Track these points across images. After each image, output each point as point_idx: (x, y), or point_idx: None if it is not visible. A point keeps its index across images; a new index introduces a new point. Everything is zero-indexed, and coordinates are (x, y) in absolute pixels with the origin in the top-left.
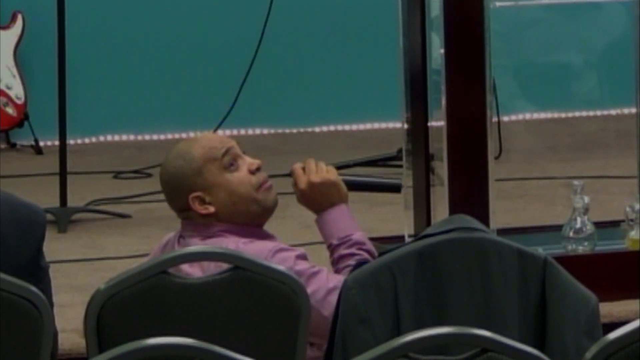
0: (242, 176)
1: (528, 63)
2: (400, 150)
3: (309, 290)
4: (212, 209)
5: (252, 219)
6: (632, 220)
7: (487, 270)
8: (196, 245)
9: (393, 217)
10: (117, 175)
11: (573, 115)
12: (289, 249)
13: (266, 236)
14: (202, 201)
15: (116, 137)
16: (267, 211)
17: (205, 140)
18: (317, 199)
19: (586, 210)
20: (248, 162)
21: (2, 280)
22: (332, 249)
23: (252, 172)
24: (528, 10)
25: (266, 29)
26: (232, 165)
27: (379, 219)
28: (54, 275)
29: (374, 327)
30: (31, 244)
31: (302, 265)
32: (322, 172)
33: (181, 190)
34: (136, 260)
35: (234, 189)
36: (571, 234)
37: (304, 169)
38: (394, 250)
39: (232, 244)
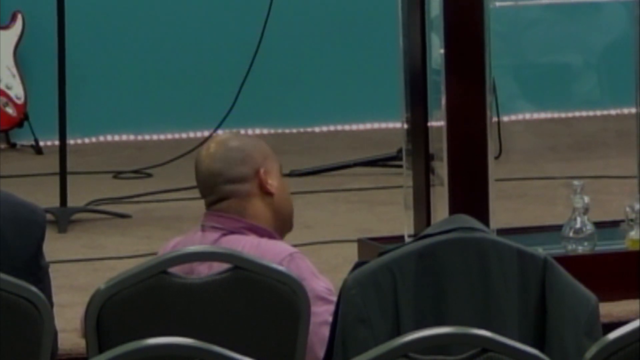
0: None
1: (528, 63)
2: (400, 150)
3: (312, 309)
4: (273, 190)
5: (282, 224)
6: (632, 220)
7: (487, 270)
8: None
9: (393, 217)
10: (117, 175)
11: (573, 115)
12: (309, 263)
13: None
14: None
15: (116, 137)
16: (289, 229)
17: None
18: None
19: (586, 210)
20: None
21: (2, 280)
22: None
23: None
24: (528, 10)
25: (266, 29)
26: (282, 176)
27: (379, 219)
28: (54, 275)
29: (374, 327)
30: (31, 244)
31: (316, 283)
32: None
33: (252, 160)
34: (136, 260)
35: (286, 190)
36: (571, 234)
37: None
38: (394, 250)
39: (250, 241)
